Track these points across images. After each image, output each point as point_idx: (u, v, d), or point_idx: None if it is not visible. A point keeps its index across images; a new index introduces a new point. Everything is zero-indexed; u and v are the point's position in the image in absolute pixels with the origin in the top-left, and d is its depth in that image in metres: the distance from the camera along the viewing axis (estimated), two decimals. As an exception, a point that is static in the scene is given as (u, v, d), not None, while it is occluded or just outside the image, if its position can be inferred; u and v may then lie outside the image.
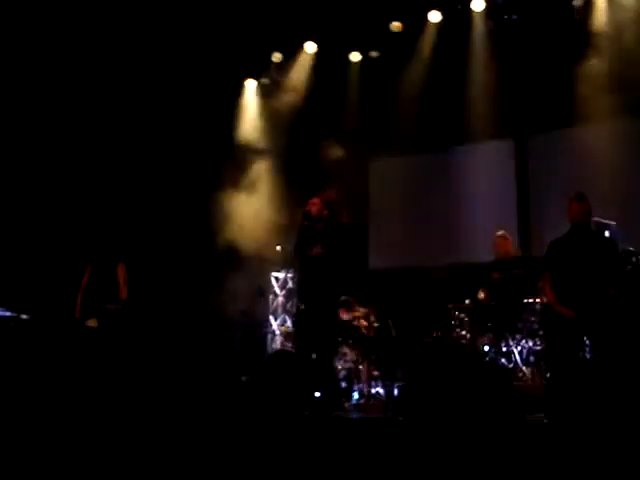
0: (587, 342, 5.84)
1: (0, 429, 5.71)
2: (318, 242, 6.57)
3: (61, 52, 9.47)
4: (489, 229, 10.13)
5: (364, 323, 8.58)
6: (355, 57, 10.94)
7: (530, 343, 7.13)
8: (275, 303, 11.17)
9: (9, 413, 6.24)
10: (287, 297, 11.24)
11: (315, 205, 6.64)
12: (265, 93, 11.50)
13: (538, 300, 7.09)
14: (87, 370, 7.31)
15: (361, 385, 8.12)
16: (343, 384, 8.21)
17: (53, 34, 9.26)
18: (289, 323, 10.87)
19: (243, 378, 6.55)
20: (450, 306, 8.27)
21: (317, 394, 7.33)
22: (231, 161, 11.04)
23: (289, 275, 11.23)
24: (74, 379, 7.33)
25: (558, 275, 5.85)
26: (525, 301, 7.24)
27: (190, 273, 10.34)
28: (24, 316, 8.30)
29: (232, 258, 10.62)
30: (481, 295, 7.62)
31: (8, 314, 8.22)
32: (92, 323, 7.50)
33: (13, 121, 9.41)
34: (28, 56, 9.29)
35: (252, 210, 10.67)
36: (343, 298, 8.79)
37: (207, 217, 10.51)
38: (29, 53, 9.28)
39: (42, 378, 7.66)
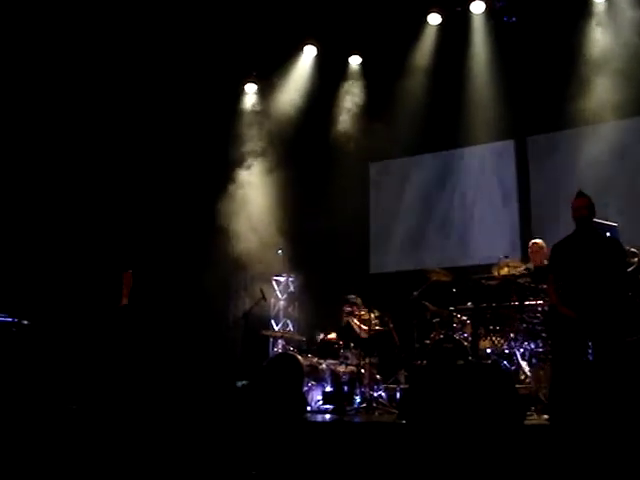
0: (590, 344, 5.81)
1: (2, 432, 5.72)
2: None
3: (62, 62, 9.47)
4: (490, 230, 10.17)
5: (364, 328, 8.59)
6: (355, 60, 10.95)
7: (532, 345, 7.10)
8: (276, 307, 11.15)
9: (11, 416, 6.24)
10: (288, 301, 11.22)
11: None
12: (265, 96, 11.49)
13: (541, 302, 7.06)
14: (89, 374, 7.31)
15: (363, 389, 8.10)
16: (345, 388, 8.20)
17: (53, 46, 9.26)
18: (290, 327, 10.86)
19: (239, 384, 6.53)
20: (452, 308, 8.25)
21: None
22: (232, 165, 11.04)
23: (290, 279, 11.22)
24: (75, 383, 7.33)
25: (562, 277, 5.84)
26: (527, 303, 7.20)
27: (192, 277, 10.32)
28: (25, 321, 8.30)
29: (234, 262, 10.61)
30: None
31: (9, 319, 8.22)
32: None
33: (22, 127, 9.41)
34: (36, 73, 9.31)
35: (253, 213, 10.66)
36: (351, 298, 8.86)
37: (209, 221, 10.50)
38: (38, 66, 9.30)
39: (43, 383, 7.67)
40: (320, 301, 10.36)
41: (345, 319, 8.97)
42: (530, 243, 8.03)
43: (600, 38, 9.15)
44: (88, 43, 9.49)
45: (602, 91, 8.96)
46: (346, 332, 8.87)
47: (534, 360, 7.02)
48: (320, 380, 8.31)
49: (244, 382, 6.73)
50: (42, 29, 9.14)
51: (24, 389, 7.48)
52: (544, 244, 7.85)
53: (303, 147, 11.10)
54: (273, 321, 10.98)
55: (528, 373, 7.06)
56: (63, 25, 9.19)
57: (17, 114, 9.31)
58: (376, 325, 8.59)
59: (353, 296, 9.00)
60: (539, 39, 9.42)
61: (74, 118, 9.80)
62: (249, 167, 11.05)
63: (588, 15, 9.27)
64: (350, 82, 11.00)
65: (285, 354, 8.42)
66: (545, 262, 7.59)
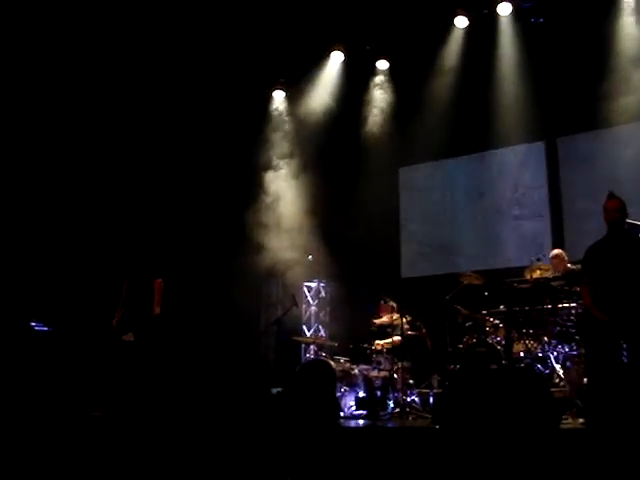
0: (625, 346, 5.75)
1: (37, 438, 5.82)
2: None
3: (88, 69, 9.64)
4: (521, 233, 10.10)
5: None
6: (383, 64, 10.96)
7: (566, 348, 7.04)
8: (308, 313, 11.18)
9: (46, 422, 6.34)
10: (319, 306, 11.24)
11: None
12: (293, 102, 11.55)
13: (574, 305, 6.99)
14: (123, 383, 7.38)
15: (396, 394, 8.09)
16: (379, 393, 8.19)
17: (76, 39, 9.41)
18: (322, 333, 10.88)
19: (274, 390, 6.55)
20: (484, 312, 8.21)
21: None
22: (261, 171, 11.11)
23: (321, 284, 11.24)
24: (109, 392, 7.41)
25: (596, 279, 5.78)
26: (561, 306, 7.14)
27: (224, 284, 10.39)
28: (61, 331, 8.42)
29: (264, 268, 10.66)
30: None
31: (45, 329, 8.35)
32: (128, 337, 7.55)
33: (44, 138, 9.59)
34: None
35: (282, 219, 10.71)
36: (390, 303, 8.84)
37: (240, 227, 10.57)
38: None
39: (77, 391, 7.77)
40: (351, 306, 10.37)
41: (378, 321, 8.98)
42: (550, 256, 7.95)
43: (630, 32, 9.04)
44: (116, 48, 9.64)
45: (636, 88, 8.85)
46: (380, 332, 8.86)
47: (568, 363, 6.96)
48: (353, 385, 8.30)
49: (279, 389, 6.75)
50: (70, 27, 9.31)
51: (60, 396, 7.59)
52: (564, 253, 7.82)
53: (332, 152, 11.13)
54: (305, 327, 11.02)
55: (562, 376, 7.00)
56: (84, 27, 9.34)
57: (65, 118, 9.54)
58: (408, 330, 8.57)
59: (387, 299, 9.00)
60: (567, 39, 9.33)
61: (104, 126, 9.96)
62: (277, 173, 11.11)
63: (618, 10, 9.16)
64: (378, 86, 11.01)
65: (317, 360, 8.44)
66: (569, 266, 7.56)
